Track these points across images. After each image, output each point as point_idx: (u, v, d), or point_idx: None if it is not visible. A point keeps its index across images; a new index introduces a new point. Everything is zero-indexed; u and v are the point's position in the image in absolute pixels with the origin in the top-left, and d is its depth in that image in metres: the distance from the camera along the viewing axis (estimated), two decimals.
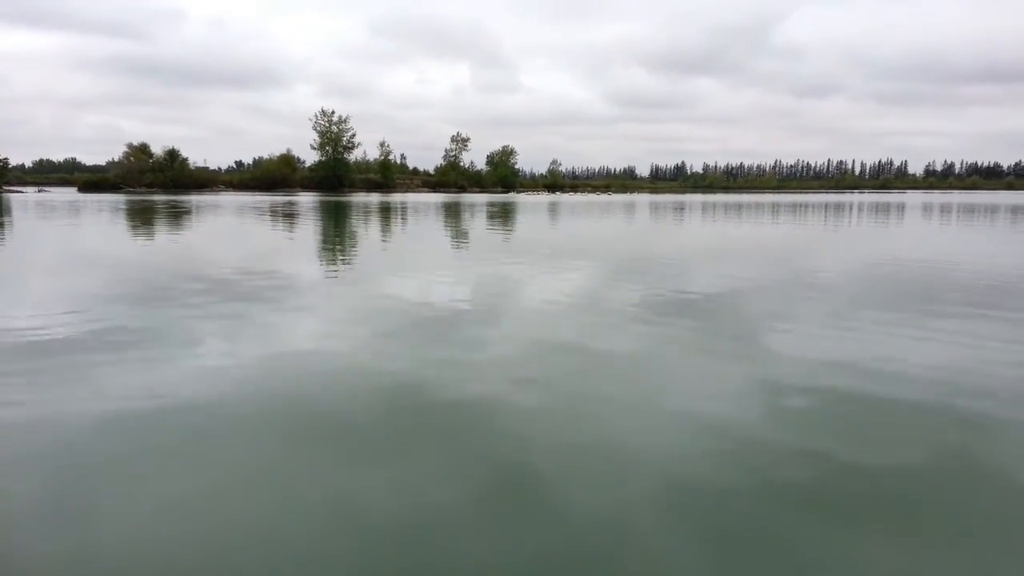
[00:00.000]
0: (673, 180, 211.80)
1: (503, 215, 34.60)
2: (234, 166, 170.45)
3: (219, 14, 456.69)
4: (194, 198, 57.72)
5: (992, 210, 41.38)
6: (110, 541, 3.14)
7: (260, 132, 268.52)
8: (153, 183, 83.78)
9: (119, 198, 55.91)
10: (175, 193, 72.48)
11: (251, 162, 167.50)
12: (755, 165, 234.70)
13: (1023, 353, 6.28)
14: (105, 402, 4.90)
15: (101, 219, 27.90)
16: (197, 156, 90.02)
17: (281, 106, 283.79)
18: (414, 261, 14.39)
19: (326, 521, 3.29)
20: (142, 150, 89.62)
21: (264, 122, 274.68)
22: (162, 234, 20.50)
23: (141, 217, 29.51)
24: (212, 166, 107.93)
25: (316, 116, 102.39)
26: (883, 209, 44.17)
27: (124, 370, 5.68)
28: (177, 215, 31.30)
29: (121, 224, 24.99)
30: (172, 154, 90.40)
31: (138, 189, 79.74)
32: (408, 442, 4.21)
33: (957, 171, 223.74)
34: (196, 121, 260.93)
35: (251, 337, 6.84)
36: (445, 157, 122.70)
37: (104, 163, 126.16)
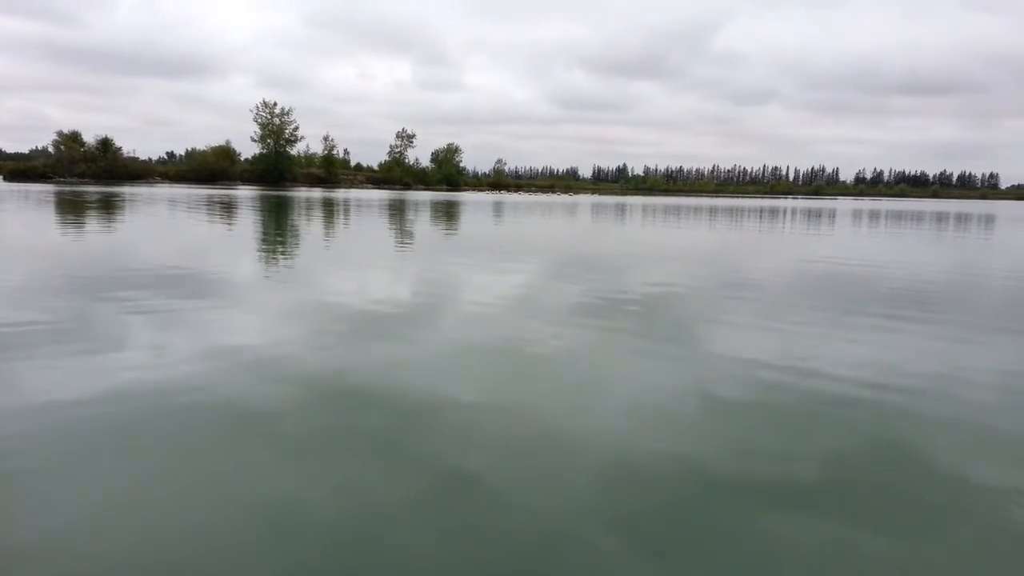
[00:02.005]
0: (615, 182, 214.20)
1: (448, 214, 34.62)
2: (165, 157, 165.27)
3: None
4: (128, 189, 55.88)
5: (918, 217, 43.26)
6: (29, 549, 2.99)
7: (193, 122, 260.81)
8: (85, 173, 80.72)
9: (48, 188, 53.78)
10: (108, 184, 69.94)
11: (183, 153, 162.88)
12: (694, 169, 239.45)
13: (941, 350, 6.70)
14: (25, 403, 4.71)
15: (28, 210, 26.88)
16: (126, 146, 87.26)
17: (216, 96, 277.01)
18: (356, 259, 14.36)
19: (263, 525, 3.21)
20: (73, 139, 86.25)
21: (197, 112, 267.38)
22: (93, 227, 19.89)
23: (72, 209, 28.51)
24: (142, 156, 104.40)
25: (257, 107, 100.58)
26: (816, 215, 45.68)
27: (48, 369, 5.49)
28: (110, 207, 30.32)
29: (50, 216, 24.14)
30: (105, 143, 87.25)
31: (69, 179, 76.77)
32: (347, 442, 4.18)
33: (886, 179, 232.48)
34: (125, 110, 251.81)
35: (183, 335, 6.72)
36: (390, 153, 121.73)
37: (27, 151, 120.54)
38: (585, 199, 76.43)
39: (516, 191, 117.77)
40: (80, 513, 3.30)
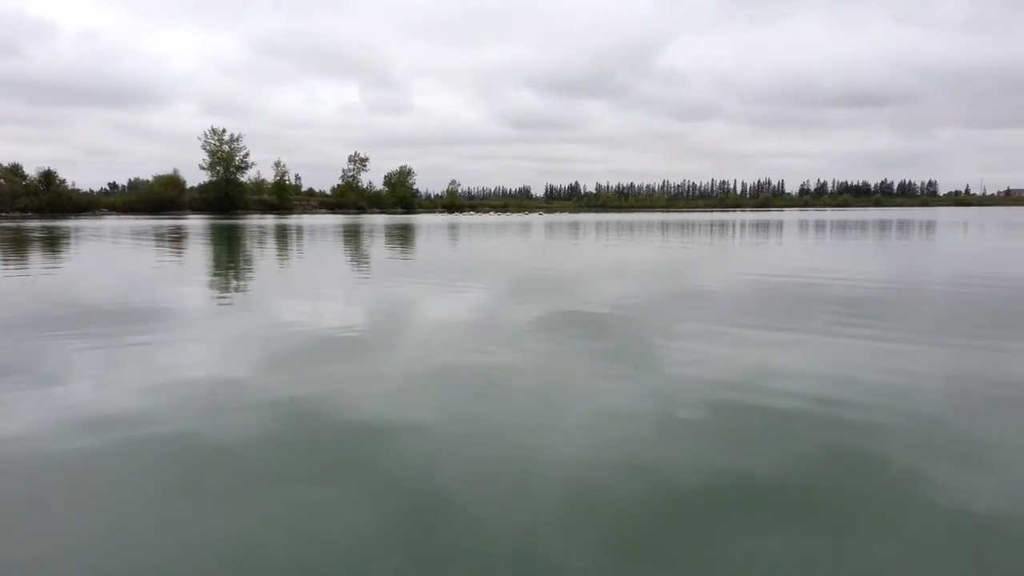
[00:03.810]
0: (568, 200, 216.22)
1: (404, 237, 34.55)
2: (107, 188, 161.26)
3: (92, 28, 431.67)
4: (74, 223, 54.51)
5: (862, 226, 44.58)
6: None
7: (135, 152, 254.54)
8: (27, 207, 78.53)
9: None
10: (53, 218, 68.18)
11: (126, 183, 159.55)
12: (644, 185, 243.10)
13: (891, 356, 6.87)
14: None
15: None
16: (67, 177, 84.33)
17: (158, 125, 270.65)
18: (311, 286, 14.24)
19: (219, 561, 3.14)
20: (14, 172, 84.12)
21: (139, 141, 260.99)
22: (35, 262, 19.37)
23: (12, 245, 27.75)
24: (84, 188, 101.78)
25: (206, 134, 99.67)
26: (764, 226, 46.77)
27: None
28: (53, 241, 29.58)
29: None
30: (48, 176, 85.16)
31: (11, 214, 74.52)
32: (306, 473, 4.12)
33: (829, 190, 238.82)
34: (63, 140, 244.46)
35: (133, 368, 6.57)
36: (343, 177, 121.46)
37: None
38: (539, 218, 77.03)
39: (471, 212, 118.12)
40: (24, 554, 3.21)
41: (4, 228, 44.15)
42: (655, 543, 3.32)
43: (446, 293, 12.34)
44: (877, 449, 4.46)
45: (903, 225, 46.33)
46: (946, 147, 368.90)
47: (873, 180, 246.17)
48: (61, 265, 18.73)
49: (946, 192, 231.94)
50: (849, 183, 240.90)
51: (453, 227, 48.55)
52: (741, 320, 9.14)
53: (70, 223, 53.78)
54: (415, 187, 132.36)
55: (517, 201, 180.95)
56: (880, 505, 3.68)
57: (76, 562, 3.17)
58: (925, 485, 3.93)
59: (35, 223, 53.43)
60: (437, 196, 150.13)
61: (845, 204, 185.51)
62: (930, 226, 44.59)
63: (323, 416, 5.19)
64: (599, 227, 47.73)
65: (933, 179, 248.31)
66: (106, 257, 21.37)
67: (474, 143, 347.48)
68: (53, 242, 29.12)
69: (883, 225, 46.49)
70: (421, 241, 31.09)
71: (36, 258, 20.89)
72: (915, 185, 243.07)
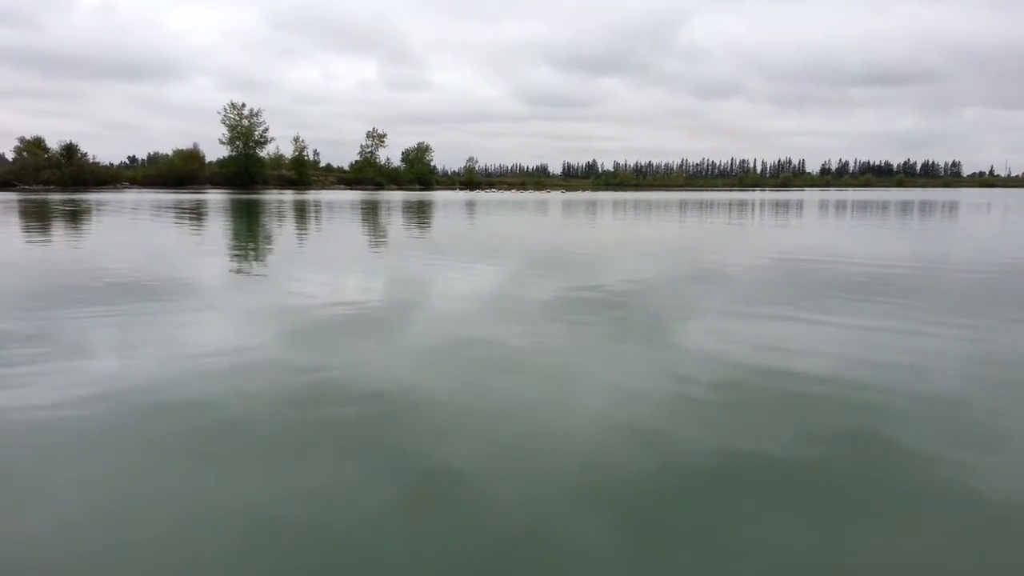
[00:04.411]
0: (585, 178, 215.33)
1: (422, 213, 34.61)
2: (127, 161, 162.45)
3: (110, 1, 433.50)
4: (96, 196, 55.06)
5: (883, 207, 44.01)
6: None
7: (154, 126, 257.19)
8: (50, 180, 79.31)
9: (11, 197, 52.83)
10: (75, 191, 68.82)
11: (146, 157, 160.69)
12: (663, 163, 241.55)
13: (910, 342, 6.79)
14: None
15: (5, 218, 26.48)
16: (86, 151, 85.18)
17: (177, 99, 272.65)
18: (330, 261, 14.32)
19: (238, 532, 3.17)
20: (37, 144, 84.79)
21: (159, 116, 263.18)
22: (62, 235, 19.64)
23: (38, 217, 28.10)
24: (103, 161, 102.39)
25: (225, 109, 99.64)
26: (783, 206, 46.32)
27: (15, 376, 5.47)
28: (78, 214, 29.94)
29: (14, 224, 23.77)
30: (70, 149, 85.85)
31: (34, 187, 75.33)
32: (322, 446, 4.14)
33: (851, 169, 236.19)
34: (83, 114, 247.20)
35: (154, 341, 6.65)
36: (361, 153, 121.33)
37: None
38: (557, 196, 76.72)
39: (488, 189, 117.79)
40: (49, 522, 3.27)
41: (30, 201, 44.71)
42: (667, 522, 3.33)
43: (464, 270, 12.36)
44: (895, 433, 4.43)
45: (925, 206, 45.72)
46: (970, 127, 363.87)
47: (896, 160, 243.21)
48: (87, 238, 18.98)
49: (970, 173, 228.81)
50: (871, 163, 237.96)
51: (471, 204, 48.50)
52: (758, 301, 9.09)
53: (92, 196, 54.29)
54: (433, 164, 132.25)
55: (534, 179, 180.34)
56: (897, 489, 3.66)
57: (96, 525, 3.25)
58: (943, 469, 3.90)
59: (58, 196, 53.99)
60: (454, 173, 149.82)
61: (867, 184, 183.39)
62: (953, 207, 43.96)
63: (339, 390, 5.25)
64: (617, 206, 47.48)
65: (957, 159, 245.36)
66: (130, 230, 21.60)
67: (491, 120, 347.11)
68: (78, 215, 29.47)
69: (905, 206, 45.87)
70: (440, 218, 31.11)
71: (63, 231, 21.16)
72: (938, 166, 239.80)
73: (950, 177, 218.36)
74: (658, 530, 3.26)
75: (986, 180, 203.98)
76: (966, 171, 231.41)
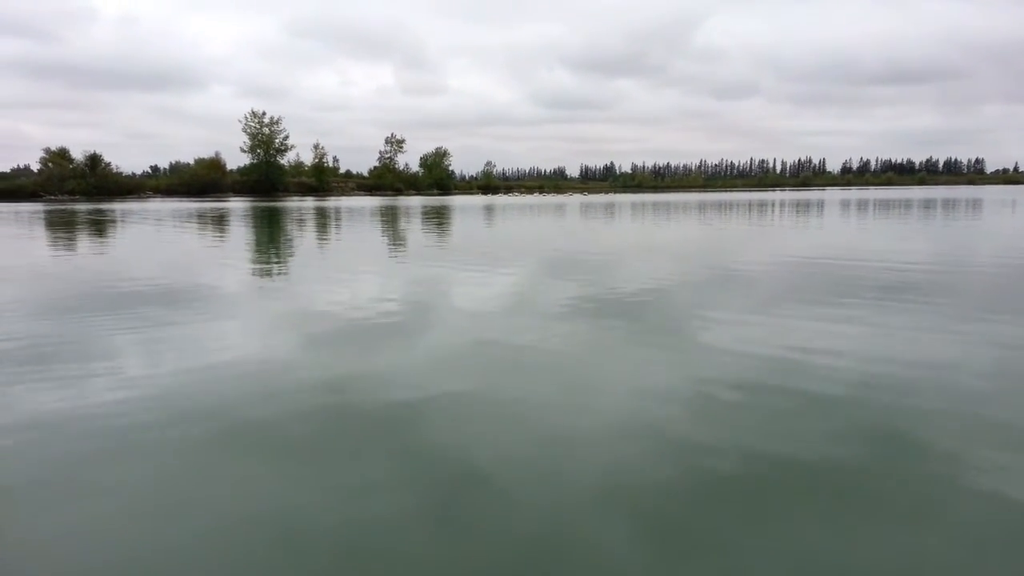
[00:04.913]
0: (603, 180, 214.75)
1: (442, 217, 34.78)
2: (149, 171, 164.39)
3: (131, 12, 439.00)
4: (121, 206, 55.80)
5: (906, 205, 43.56)
6: (22, 563, 3.05)
7: (175, 135, 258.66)
8: (75, 190, 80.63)
9: (38, 207, 53.74)
10: (100, 201, 69.85)
11: (167, 166, 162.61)
12: (681, 165, 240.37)
13: (934, 343, 6.79)
14: (18, 418, 4.78)
15: (20, 229, 27.00)
16: (109, 160, 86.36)
17: (197, 108, 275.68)
18: (351, 267, 14.44)
19: (264, 536, 3.21)
20: (61, 155, 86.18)
21: (179, 125, 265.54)
22: (89, 244, 20.02)
23: (64, 227, 28.63)
24: (126, 171, 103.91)
25: (246, 117, 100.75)
26: (804, 206, 45.97)
27: (39, 385, 5.55)
28: (103, 224, 30.45)
29: (44, 235, 24.25)
30: (94, 159, 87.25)
31: (60, 197, 76.61)
32: (345, 450, 4.21)
33: (872, 168, 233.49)
34: (105, 124, 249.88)
35: (180, 348, 6.78)
36: (380, 159, 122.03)
37: (9, 170, 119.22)
38: (575, 199, 76.68)
39: (506, 193, 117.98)
40: (76, 528, 3.33)
41: (56, 211, 45.41)
42: (691, 526, 3.34)
43: (485, 274, 12.45)
44: (922, 434, 4.43)
45: (949, 204, 45.14)
46: (993, 123, 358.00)
47: (918, 158, 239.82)
48: (115, 247, 19.33)
49: (994, 170, 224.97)
50: (893, 161, 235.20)
51: (490, 208, 48.61)
52: (782, 302, 9.10)
53: (117, 206, 55.02)
54: (451, 168, 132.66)
55: (552, 182, 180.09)
56: (926, 492, 3.66)
57: (127, 527, 3.34)
58: (972, 472, 3.89)
59: (84, 206, 54.73)
60: (472, 177, 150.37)
61: (889, 183, 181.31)
62: (976, 204, 43.38)
63: (364, 393, 5.34)
64: (636, 208, 47.37)
65: (980, 156, 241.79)
66: (154, 239, 21.94)
67: (508, 124, 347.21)
68: (105, 225, 29.95)
69: (928, 204, 45.36)
70: (459, 223, 31.25)
71: (91, 241, 21.55)
72: (961, 163, 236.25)
73: (973, 174, 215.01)
74: (681, 534, 3.27)
75: (1010, 177, 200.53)
76: (990, 168, 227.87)
